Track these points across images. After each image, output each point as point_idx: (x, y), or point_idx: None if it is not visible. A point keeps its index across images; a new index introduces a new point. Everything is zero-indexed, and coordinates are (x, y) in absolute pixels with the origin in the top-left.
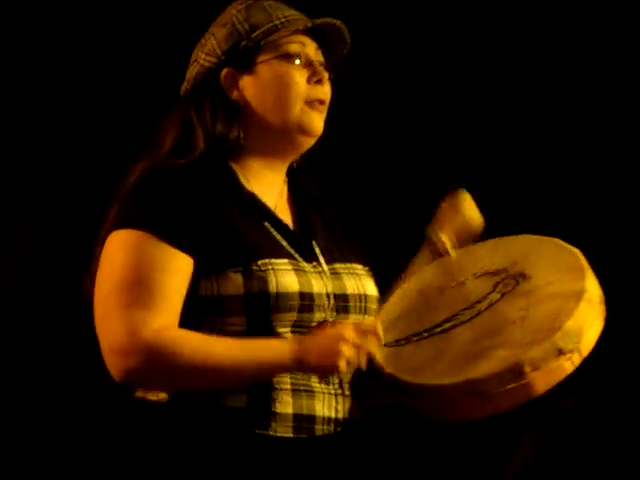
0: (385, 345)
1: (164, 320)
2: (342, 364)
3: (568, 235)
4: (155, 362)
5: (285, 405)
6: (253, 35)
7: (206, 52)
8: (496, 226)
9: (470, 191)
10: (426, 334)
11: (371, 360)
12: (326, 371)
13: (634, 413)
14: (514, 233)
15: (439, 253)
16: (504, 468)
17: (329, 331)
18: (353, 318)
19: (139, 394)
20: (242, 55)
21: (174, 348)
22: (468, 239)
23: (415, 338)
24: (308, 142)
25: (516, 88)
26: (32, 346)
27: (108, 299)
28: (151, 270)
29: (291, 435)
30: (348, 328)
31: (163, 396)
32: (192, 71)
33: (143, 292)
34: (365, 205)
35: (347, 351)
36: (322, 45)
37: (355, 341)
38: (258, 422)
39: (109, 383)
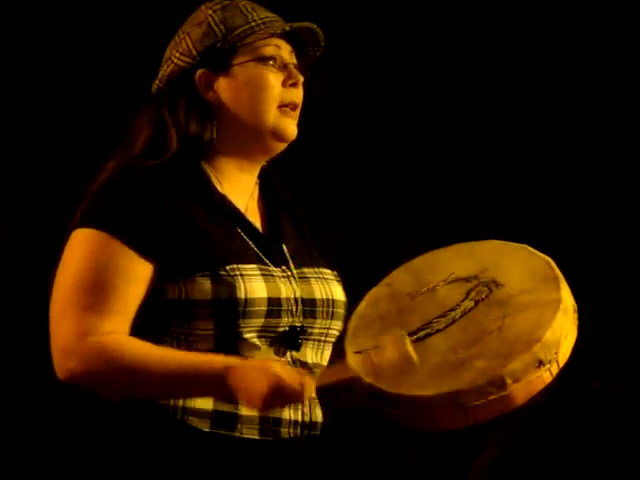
0: (360, 352)
1: (114, 326)
2: (262, 405)
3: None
4: (92, 366)
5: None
6: (229, 37)
7: (181, 51)
8: (457, 231)
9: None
10: None
11: (348, 367)
12: (249, 404)
13: (600, 412)
14: (473, 238)
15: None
16: (470, 466)
17: (258, 372)
18: (320, 322)
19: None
20: (217, 56)
21: (113, 353)
22: None
23: None
24: (281, 146)
25: (485, 89)
26: None
27: (64, 297)
28: (110, 274)
29: (257, 437)
30: (276, 379)
31: None
32: (166, 70)
33: (98, 295)
34: (333, 208)
35: (272, 393)
36: (296, 47)
37: (282, 393)
38: (224, 423)
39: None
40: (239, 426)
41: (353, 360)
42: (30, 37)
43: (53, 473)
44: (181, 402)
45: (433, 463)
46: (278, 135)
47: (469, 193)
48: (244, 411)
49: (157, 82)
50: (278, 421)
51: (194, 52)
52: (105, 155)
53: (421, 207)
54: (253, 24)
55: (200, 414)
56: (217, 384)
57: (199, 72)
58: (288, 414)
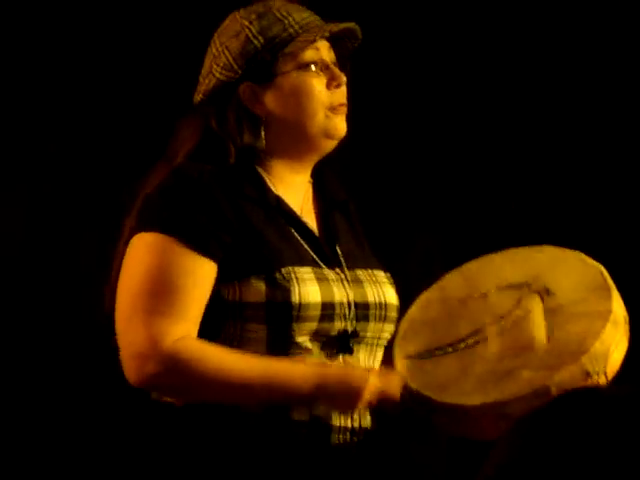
0: (408, 357)
1: (185, 329)
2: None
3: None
4: (172, 372)
5: (302, 412)
6: (269, 47)
7: (222, 66)
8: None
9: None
10: (450, 349)
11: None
12: (341, 411)
13: (609, 413)
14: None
15: None
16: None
17: (355, 376)
18: (373, 326)
19: (154, 395)
20: (259, 68)
21: (190, 360)
22: None
23: (439, 352)
24: (332, 144)
25: (492, 98)
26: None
27: (131, 303)
28: (175, 276)
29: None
30: (373, 377)
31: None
32: (208, 84)
33: (166, 299)
34: None
35: (367, 399)
36: (333, 40)
37: (378, 390)
38: (273, 429)
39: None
40: (289, 430)
41: (401, 365)
42: (45, 42)
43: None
44: (231, 405)
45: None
46: (329, 134)
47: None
48: (295, 416)
49: (200, 95)
50: (328, 427)
51: (235, 66)
52: (109, 158)
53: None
54: (291, 30)
55: (251, 417)
56: (306, 397)
57: (243, 86)
58: (338, 420)
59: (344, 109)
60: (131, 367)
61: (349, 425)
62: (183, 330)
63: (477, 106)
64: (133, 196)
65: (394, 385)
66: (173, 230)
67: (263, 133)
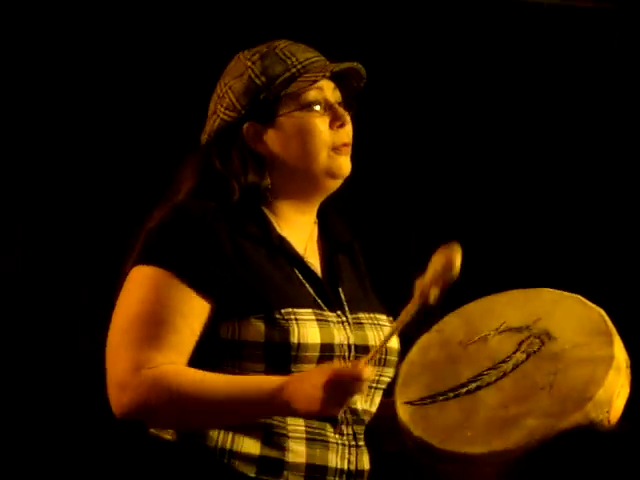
0: (410, 403)
1: (169, 360)
2: (334, 411)
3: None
4: (146, 397)
5: (298, 455)
6: (272, 87)
7: (225, 106)
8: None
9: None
10: (452, 394)
11: (395, 418)
12: (313, 414)
13: (607, 450)
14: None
15: (426, 303)
16: None
17: (314, 376)
18: (372, 370)
19: (153, 431)
20: (262, 108)
21: (165, 381)
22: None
23: (441, 398)
24: (337, 184)
25: (490, 111)
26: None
27: (120, 333)
28: (168, 311)
29: None
30: (331, 373)
31: (176, 436)
32: (213, 124)
33: (156, 332)
34: None
35: (333, 397)
36: (338, 80)
37: (341, 387)
38: (270, 469)
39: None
40: (285, 473)
41: (402, 411)
42: (53, 54)
43: None
44: (228, 445)
45: None
46: (333, 174)
47: (476, 226)
48: (291, 458)
49: (206, 136)
50: (324, 469)
51: (238, 106)
52: (112, 188)
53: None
54: (294, 70)
55: (246, 459)
56: (275, 399)
57: (246, 125)
58: (335, 462)
59: (348, 149)
60: (112, 396)
61: (345, 467)
62: (167, 359)
63: (472, 137)
64: (136, 231)
65: (349, 366)
66: (170, 265)
67: (266, 172)
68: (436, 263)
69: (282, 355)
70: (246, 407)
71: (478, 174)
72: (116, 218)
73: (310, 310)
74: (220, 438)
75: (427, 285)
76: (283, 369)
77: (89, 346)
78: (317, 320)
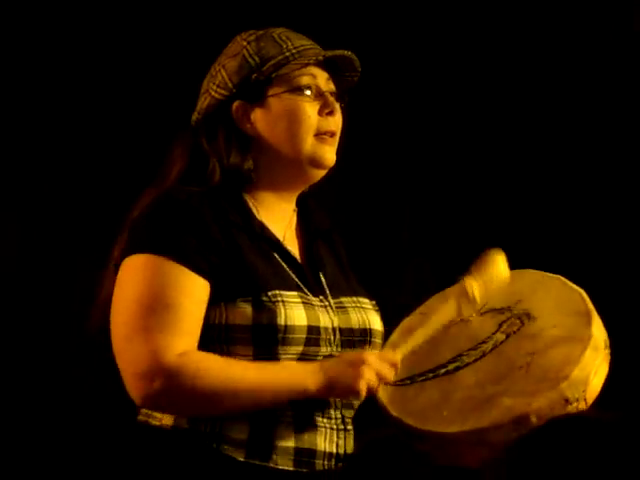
0: (389, 384)
1: (186, 344)
2: (363, 388)
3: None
4: (177, 386)
5: (287, 438)
6: (264, 68)
7: (217, 84)
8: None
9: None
10: (431, 374)
11: (375, 399)
12: (346, 395)
13: (595, 439)
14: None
15: (464, 298)
16: None
17: (351, 356)
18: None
19: (141, 418)
20: (253, 88)
21: (196, 372)
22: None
23: (420, 378)
24: (319, 174)
25: (486, 108)
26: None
27: (129, 323)
28: (172, 293)
29: (291, 468)
30: (370, 354)
31: (166, 422)
32: (203, 102)
33: (165, 315)
34: None
35: (368, 375)
36: (333, 72)
37: (377, 367)
38: (259, 454)
39: (112, 405)
40: (274, 456)
41: (382, 392)
42: (46, 52)
43: None
44: (217, 429)
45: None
46: (316, 163)
47: (469, 212)
48: (279, 442)
49: (196, 114)
50: (313, 452)
51: (230, 84)
52: (105, 175)
53: (420, 229)
54: (287, 54)
55: (235, 443)
56: (315, 374)
57: (235, 104)
58: (323, 446)
59: (334, 140)
60: (138, 386)
61: (334, 451)
62: (184, 344)
63: (464, 135)
64: (124, 219)
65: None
66: (164, 250)
67: (250, 155)
68: (485, 265)
69: (269, 337)
70: (277, 389)
71: (472, 161)
72: (111, 210)
73: (296, 293)
74: (209, 424)
75: (472, 285)
76: (271, 352)
77: (84, 339)
78: (303, 303)
